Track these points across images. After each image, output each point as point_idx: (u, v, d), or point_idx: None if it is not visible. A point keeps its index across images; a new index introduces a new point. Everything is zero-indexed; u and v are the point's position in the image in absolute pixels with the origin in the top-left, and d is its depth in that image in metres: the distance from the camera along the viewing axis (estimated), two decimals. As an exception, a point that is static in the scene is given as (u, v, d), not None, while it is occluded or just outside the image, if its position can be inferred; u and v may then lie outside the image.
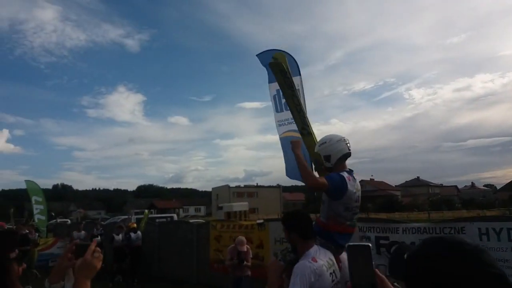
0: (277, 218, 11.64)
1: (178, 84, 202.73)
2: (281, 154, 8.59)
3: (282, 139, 8.29)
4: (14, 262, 1.37)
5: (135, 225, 13.32)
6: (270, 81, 8.05)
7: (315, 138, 3.91)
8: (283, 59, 3.62)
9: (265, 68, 8.00)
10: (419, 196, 69.72)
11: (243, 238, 7.11)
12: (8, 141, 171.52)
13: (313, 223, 3.05)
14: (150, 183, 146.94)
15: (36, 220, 16.19)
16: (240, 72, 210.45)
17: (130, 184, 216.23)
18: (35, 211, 16.30)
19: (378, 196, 69.15)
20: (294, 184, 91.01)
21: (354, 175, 3.15)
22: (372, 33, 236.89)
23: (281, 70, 3.62)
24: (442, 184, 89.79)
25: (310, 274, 2.52)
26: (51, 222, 21.36)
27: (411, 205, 59.94)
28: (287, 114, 7.76)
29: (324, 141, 3.29)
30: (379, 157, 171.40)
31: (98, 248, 1.57)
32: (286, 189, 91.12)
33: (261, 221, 9.87)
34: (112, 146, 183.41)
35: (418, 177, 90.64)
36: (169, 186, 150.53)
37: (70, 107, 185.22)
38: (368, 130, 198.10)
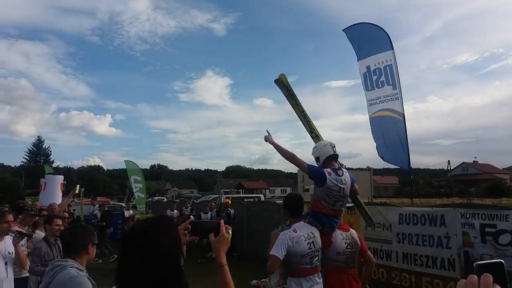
0: (367, 202, 11.17)
1: (263, 65, 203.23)
2: (371, 135, 8.12)
3: (373, 119, 7.80)
4: None
5: (229, 201, 13.89)
6: (359, 58, 7.58)
7: (322, 138, 4.60)
8: (285, 78, 4.52)
9: (352, 44, 7.64)
10: (532, 180, 61.93)
11: None
12: (111, 125, 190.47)
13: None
14: (238, 164, 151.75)
15: (137, 198, 17.69)
16: (327, 50, 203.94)
17: (219, 165, 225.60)
18: (134, 189, 17.80)
19: (483, 180, 63.03)
20: (386, 167, 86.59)
21: (339, 172, 3.93)
22: None
23: (284, 85, 4.52)
24: (561, 168, 78.64)
25: (288, 240, 3.50)
26: (149, 199, 23.20)
27: (521, 190, 53.62)
28: (379, 92, 7.27)
29: (316, 146, 4.21)
30: (484, 137, 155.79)
31: (227, 226, 1.77)
32: (377, 171, 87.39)
33: (351, 204, 9.53)
34: (202, 129, 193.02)
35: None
36: (255, 167, 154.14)
37: (163, 92, 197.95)
38: (471, 107, 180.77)
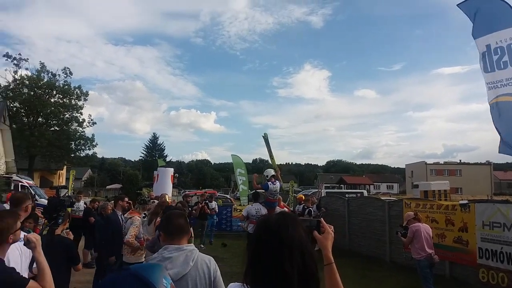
0: (486, 200, 10.01)
1: (364, 55, 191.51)
2: (492, 125, 7.13)
3: (493, 106, 6.83)
4: None
5: (303, 197, 14.29)
6: (476, 36, 6.69)
7: (276, 167, 10.87)
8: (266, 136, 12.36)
9: (469, 20, 6.76)
10: None
11: (410, 213, 7.51)
12: (215, 122, 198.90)
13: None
14: (339, 158, 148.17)
15: (240, 190, 18.43)
16: (437, 34, 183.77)
17: (320, 159, 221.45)
18: (239, 182, 18.56)
19: None
20: (509, 161, 76.99)
21: (274, 183, 9.33)
22: None
23: (266, 140, 12.36)
24: None
25: (248, 209, 9.54)
26: (250, 192, 24.01)
27: None
28: (502, 74, 6.33)
29: (266, 171, 9.88)
30: None
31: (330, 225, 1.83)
32: (498, 166, 77.86)
33: (465, 201, 8.66)
34: (301, 123, 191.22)
35: None
36: (358, 162, 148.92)
37: (263, 88, 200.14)
38: None
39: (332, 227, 1.78)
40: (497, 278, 7.34)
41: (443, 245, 8.62)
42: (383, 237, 10.96)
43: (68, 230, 4.11)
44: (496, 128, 6.30)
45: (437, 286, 6.83)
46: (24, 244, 2.57)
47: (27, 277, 2.64)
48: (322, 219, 1.83)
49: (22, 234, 2.70)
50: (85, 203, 11.38)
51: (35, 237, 2.56)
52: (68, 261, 3.86)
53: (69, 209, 4.49)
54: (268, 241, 1.45)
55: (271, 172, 9.55)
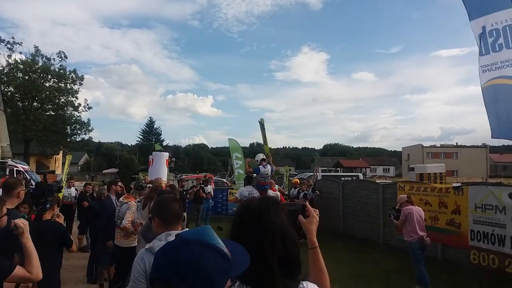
0: (479, 182, 10.09)
1: (363, 37, 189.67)
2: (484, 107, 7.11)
3: (486, 89, 6.79)
4: None
5: (298, 181, 14.40)
6: (471, 17, 6.62)
7: (268, 153, 11.86)
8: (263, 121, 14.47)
9: (464, 1, 6.67)
10: None
11: (403, 196, 7.61)
12: (212, 105, 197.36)
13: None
14: (336, 142, 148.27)
15: (236, 174, 18.45)
16: (435, 16, 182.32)
17: (317, 143, 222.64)
18: (235, 166, 18.57)
19: None
20: (505, 144, 77.55)
21: (265, 166, 9.49)
22: None
23: (262, 125, 14.68)
24: None
25: (241, 191, 9.36)
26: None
27: None
28: (496, 57, 6.29)
29: (257, 156, 10.03)
30: None
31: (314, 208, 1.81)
32: (494, 149, 78.40)
33: (458, 184, 8.73)
34: (299, 107, 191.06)
35: None
36: (355, 145, 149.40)
37: (260, 71, 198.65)
38: None
39: (318, 211, 1.77)
40: (488, 259, 7.45)
41: (436, 227, 8.71)
42: (377, 220, 11.07)
43: (59, 213, 4.11)
44: (488, 112, 6.28)
45: (429, 268, 6.92)
46: (11, 229, 2.56)
47: None
48: (307, 203, 1.81)
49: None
50: (76, 189, 11.39)
51: (22, 222, 2.55)
52: (59, 246, 3.87)
53: (60, 195, 4.48)
54: (249, 224, 1.44)
55: (261, 156, 9.92)
